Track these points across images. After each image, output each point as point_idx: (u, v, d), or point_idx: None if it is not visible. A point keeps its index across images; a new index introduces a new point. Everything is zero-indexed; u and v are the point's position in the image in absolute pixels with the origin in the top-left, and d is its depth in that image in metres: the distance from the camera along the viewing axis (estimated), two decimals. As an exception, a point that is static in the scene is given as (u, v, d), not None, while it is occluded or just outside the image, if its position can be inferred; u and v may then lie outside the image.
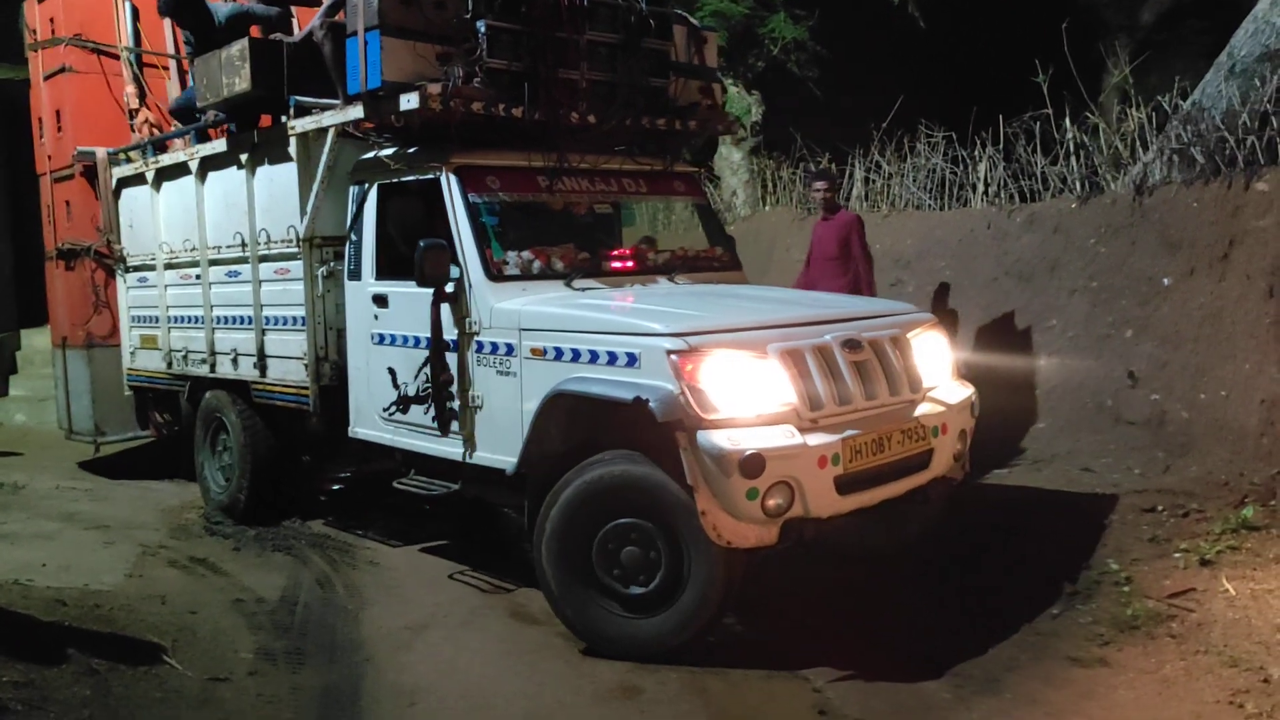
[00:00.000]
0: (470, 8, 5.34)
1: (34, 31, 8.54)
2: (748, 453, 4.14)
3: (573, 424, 4.85)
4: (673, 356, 4.31)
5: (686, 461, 4.25)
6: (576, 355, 4.71)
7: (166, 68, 8.46)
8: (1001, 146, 8.53)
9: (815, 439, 4.37)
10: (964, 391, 5.22)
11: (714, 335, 4.48)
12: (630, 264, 5.81)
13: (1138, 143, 7.46)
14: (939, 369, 5.18)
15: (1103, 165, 7.39)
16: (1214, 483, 5.63)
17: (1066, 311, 7.14)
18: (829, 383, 4.52)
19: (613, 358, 4.55)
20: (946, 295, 8.29)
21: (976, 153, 8.83)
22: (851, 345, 4.68)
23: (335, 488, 6.79)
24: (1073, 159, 7.71)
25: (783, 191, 13.06)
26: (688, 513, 4.32)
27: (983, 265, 8.06)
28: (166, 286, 7.65)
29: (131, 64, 8.08)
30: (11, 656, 3.86)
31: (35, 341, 12.15)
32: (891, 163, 10.20)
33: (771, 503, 4.24)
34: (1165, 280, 6.59)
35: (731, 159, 13.59)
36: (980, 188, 8.73)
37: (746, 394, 4.38)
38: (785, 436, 4.31)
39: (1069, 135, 7.81)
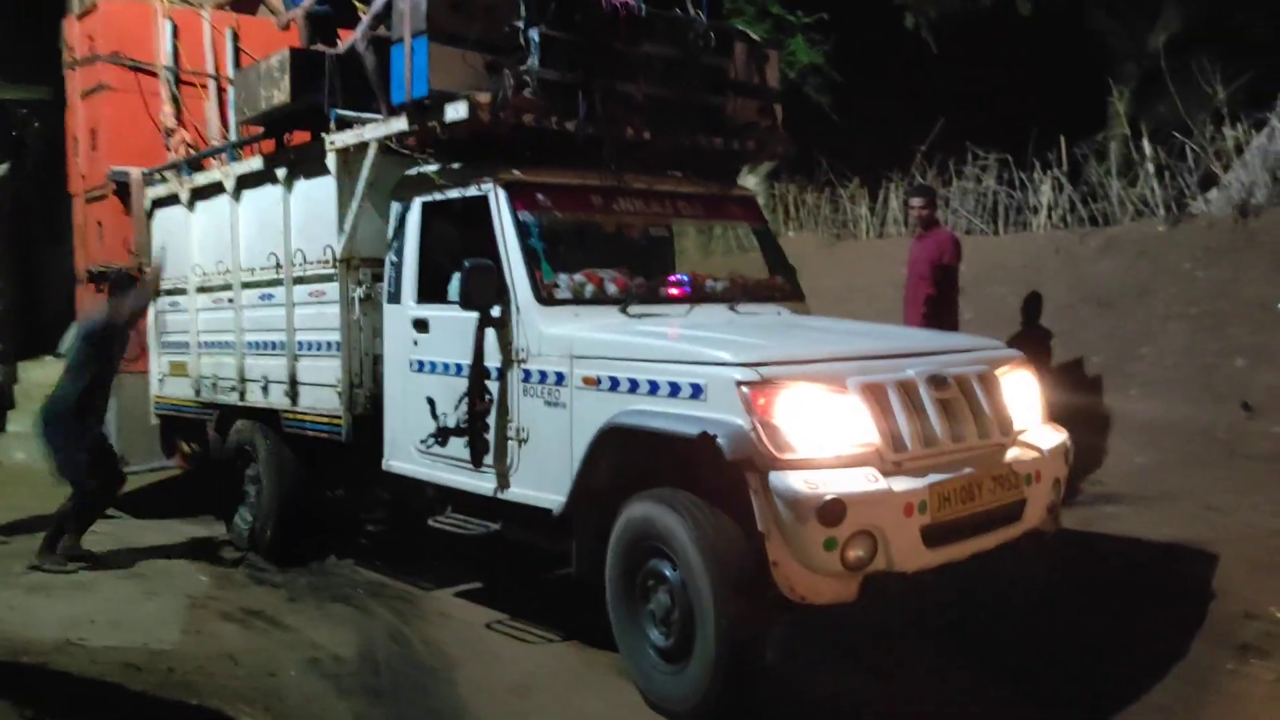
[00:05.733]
0: (523, 14, 5.01)
1: (72, 49, 8.30)
2: (827, 497, 3.76)
3: (625, 460, 4.47)
4: (743, 388, 3.94)
5: (757, 506, 3.87)
6: (634, 386, 4.37)
7: (205, 86, 8.22)
8: (1066, 169, 8.28)
9: (900, 483, 3.98)
10: (1058, 436, 4.79)
11: (788, 366, 4.11)
12: (687, 290, 5.48)
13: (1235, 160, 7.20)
14: (1029, 411, 4.76)
15: (1192, 187, 7.11)
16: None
17: (1161, 339, 6.85)
18: (914, 421, 4.14)
19: (675, 389, 4.19)
20: (1015, 322, 7.98)
21: (1036, 175, 8.58)
22: (937, 381, 4.29)
23: (370, 528, 6.47)
24: (1153, 181, 7.44)
25: (806, 216, 12.79)
26: (697, 565, 3.98)
27: (1054, 291, 7.77)
28: (198, 311, 7.36)
29: (170, 83, 7.84)
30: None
31: (33, 374, 11.56)
32: (935, 185, 9.93)
33: (852, 554, 3.84)
34: (1281, 306, 6.29)
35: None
36: (1044, 211, 8.46)
37: (824, 432, 4.00)
38: (868, 480, 3.92)
39: (1148, 156, 7.55)
